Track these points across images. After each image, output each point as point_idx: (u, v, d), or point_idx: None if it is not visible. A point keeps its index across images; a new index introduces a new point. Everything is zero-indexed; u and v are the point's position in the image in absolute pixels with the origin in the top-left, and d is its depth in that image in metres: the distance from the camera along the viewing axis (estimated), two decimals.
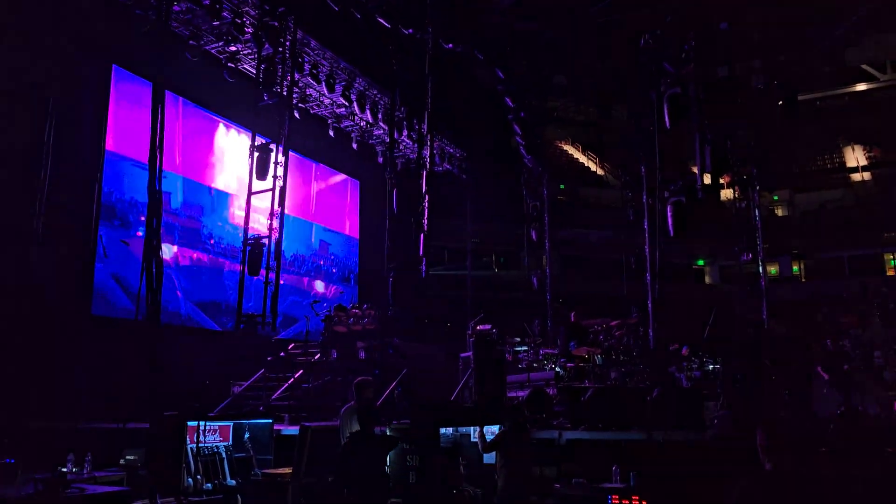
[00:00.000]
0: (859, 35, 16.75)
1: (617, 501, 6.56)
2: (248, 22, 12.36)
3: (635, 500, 6.42)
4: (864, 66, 29.07)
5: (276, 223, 11.43)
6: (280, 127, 11.82)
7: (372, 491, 5.80)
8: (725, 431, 7.41)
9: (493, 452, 7.22)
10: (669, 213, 8.94)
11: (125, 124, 12.53)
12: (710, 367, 12.29)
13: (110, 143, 12.20)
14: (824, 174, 32.34)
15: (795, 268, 30.70)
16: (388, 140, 14.81)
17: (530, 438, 7.48)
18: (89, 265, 11.68)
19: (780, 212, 31.77)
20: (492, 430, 7.47)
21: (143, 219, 11.34)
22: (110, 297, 12.03)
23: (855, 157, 32.37)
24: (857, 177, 32.02)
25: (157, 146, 7.53)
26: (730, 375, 11.10)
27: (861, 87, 30.86)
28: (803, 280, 30.16)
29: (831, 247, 29.40)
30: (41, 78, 10.47)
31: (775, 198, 30.88)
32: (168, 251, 13.16)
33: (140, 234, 12.28)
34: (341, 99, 15.08)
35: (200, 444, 7.50)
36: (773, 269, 29.06)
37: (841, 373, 10.52)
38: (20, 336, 9.58)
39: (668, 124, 9.11)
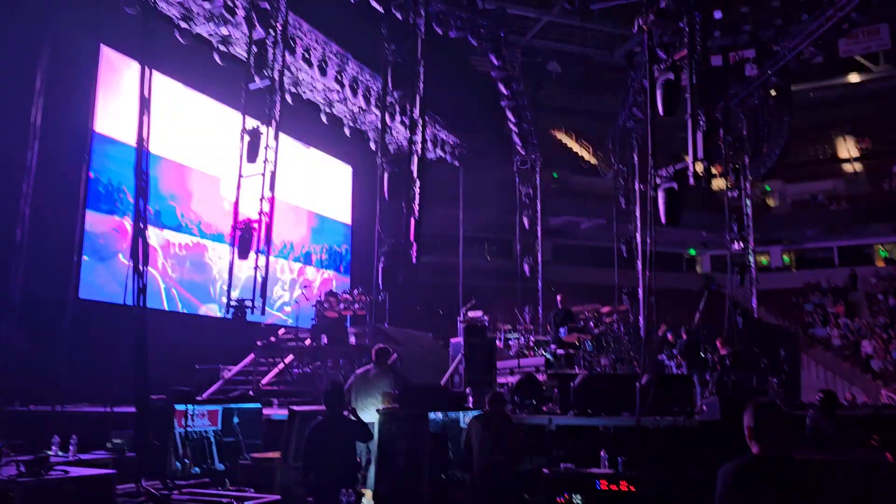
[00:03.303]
0: (853, 26, 16.71)
1: (605, 486, 6.57)
2: (239, 4, 12.21)
3: (623, 485, 6.44)
4: (857, 58, 29.09)
5: (266, 207, 11.35)
6: (271, 110, 11.71)
7: (336, 477, 5.78)
8: (713, 417, 7.43)
9: None
10: (661, 200, 8.92)
11: (113, 106, 12.39)
12: (701, 354, 12.35)
13: (98, 125, 12.07)
14: (816, 165, 32.42)
15: (786, 257, 30.84)
16: (380, 126, 14.71)
17: (507, 424, 7.29)
18: (77, 248, 11.59)
19: (771, 202, 31.86)
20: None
21: (130, 201, 11.25)
22: (98, 280, 11.94)
23: (847, 148, 32.45)
24: (848, 168, 32.12)
25: (144, 128, 7.43)
26: (719, 363, 11.18)
27: (854, 78, 30.92)
28: (794, 270, 30.31)
29: (821, 237, 29.55)
30: (29, 58, 10.34)
31: (767, 188, 30.94)
32: (156, 235, 13.07)
33: (127, 217, 12.18)
34: (333, 83, 14.95)
35: (189, 428, 7.47)
36: (763, 259, 29.20)
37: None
38: (7, 318, 9.52)
39: (661, 111, 9.08)
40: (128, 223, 12.06)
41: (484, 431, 6.82)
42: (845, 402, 14.53)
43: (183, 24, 12.39)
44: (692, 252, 31.84)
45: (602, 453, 7.01)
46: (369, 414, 7.32)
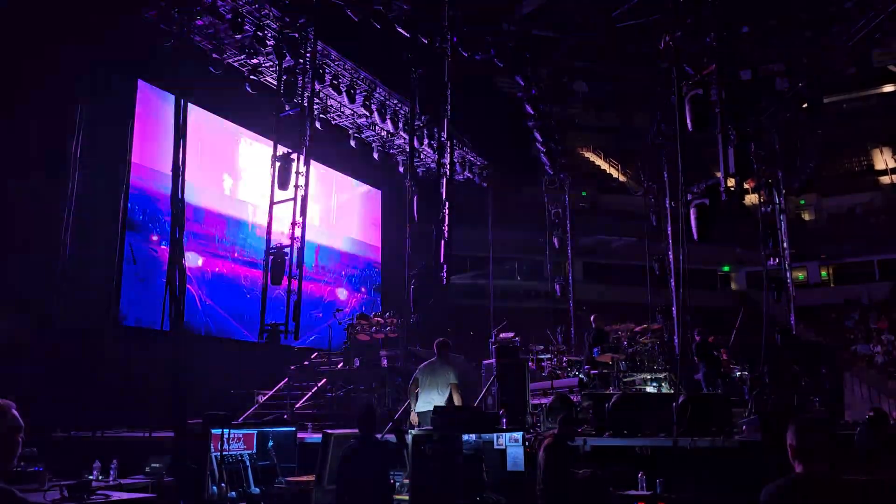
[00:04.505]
0: (885, 35, 16.41)
1: None
2: (269, 35, 12.50)
3: None
4: (890, 67, 28.57)
5: (297, 232, 11.50)
6: (301, 137, 11.91)
7: (369, 501, 5.76)
8: (753, 437, 7.27)
9: (520, 460, 7.12)
10: (693, 216, 8.82)
11: (150, 137, 12.73)
12: (738, 373, 12.12)
13: (135, 156, 12.39)
14: (852, 177, 31.81)
15: (824, 273, 30.17)
16: (408, 149, 14.85)
17: (572, 450, 7.12)
18: (117, 276, 11.85)
19: (807, 216, 31.28)
20: (514, 437, 7.40)
21: (167, 229, 11.47)
22: (137, 307, 12.17)
23: (883, 159, 31.81)
24: (885, 179, 31.45)
25: (179, 157, 7.63)
26: (758, 381, 10.94)
27: (888, 88, 30.36)
28: (832, 285, 29.62)
29: (861, 251, 28.86)
30: (69, 92, 10.68)
31: (802, 202, 30.41)
32: (192, 262, 13.30)
33: (164, 245, 12.43)
34: (362, 109, 15.16)
35: (225, 452, 7.53)
36: (801, 275, 28.59)
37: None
38: (49, 345, 9.74)
39: (689, 127, 9.01)
40: (165, 251, 12.30)
41: (549, 456, 6.59)
42: (893, 421, 14.08)
43: (215, 56, 12.72)
44: (726, 269, 31.33)
45: (640, 475, 6.89)
46: (435, 404, 7.92)
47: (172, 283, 6.65)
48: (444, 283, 10.95)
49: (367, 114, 15.34)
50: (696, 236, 8.99)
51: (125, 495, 5.07)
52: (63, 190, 10.33)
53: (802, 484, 3.35)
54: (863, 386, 21.49)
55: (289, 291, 11.09)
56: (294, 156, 11.61)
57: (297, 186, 11.52)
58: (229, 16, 11.92)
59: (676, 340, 12.39)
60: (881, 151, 31.85)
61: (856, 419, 9.74)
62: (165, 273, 6.96)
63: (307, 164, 11.63)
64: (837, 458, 3.55)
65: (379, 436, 6.68)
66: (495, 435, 7.57)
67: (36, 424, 8.12)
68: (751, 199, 22.80)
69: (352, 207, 18.65)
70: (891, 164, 31.63)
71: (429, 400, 8.23)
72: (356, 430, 6.48)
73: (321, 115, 15.01)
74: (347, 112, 15.65)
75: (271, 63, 13.23)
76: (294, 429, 8.85)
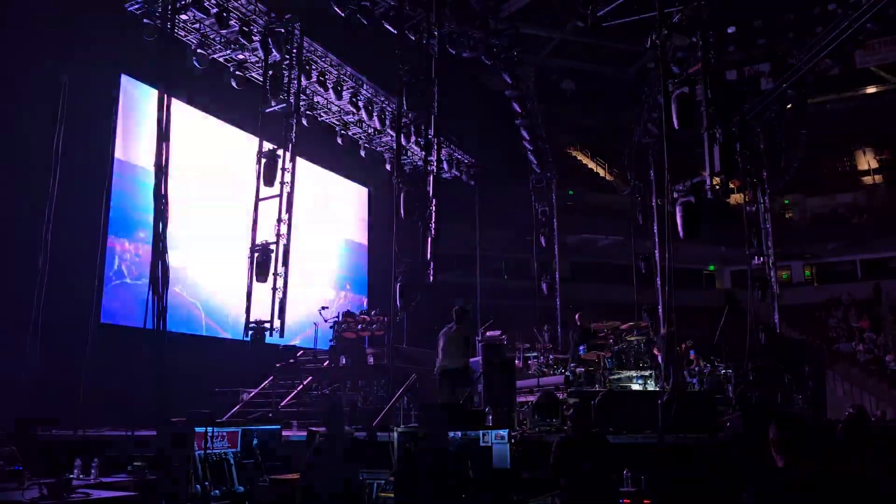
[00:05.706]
0: (869, 37, 16.57)
1: None
2: (255, 30, 12.42)
3: (646, 503, 6.33)
4: (873, 69, 28.86)
5: (283, 229, 11.45)
6: (287, 134, 11.85)
7: (336, 498, 5.71)
8: (737, 434, 7.31)
9: (506, 457, 7.10)
10: (679, 215, 8.86)
11: (133, 133, 12.60)
12: (722, 370, 12.19)
13: (118, 152, 12.26)
14: (836, 178, 32.11)
15: (807, 272, 30.44)
16: (395, 146, 14.83)
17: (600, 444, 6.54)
18: (99, 273, 11.70)
19: (791, 215, 31.54)
20: (500, 435, 7.39)
21: (149, 226, 11.36)
22: (119, 305, 12.06)
23: (866, 159, 32.15)
24: (868, 179, 31.78)
25: (162, 153, 7.56)
26: (742, 379, 11.03)
27: (871, 89, 30.67)
28: (816, 284, 29.89)
29: (843, 251, 29.16)
30: (51, 87, 10.54)
31: (786, 202, 30.66)
32: (175, 259, 13.17)
33: (146, 242, 12.31)
34: (349, 106, 15.11)
35: (208, 451, 7.46)
36: (784, 274, 28.81)
37: None
38: (30, 343, 9.61)
39: (676, 125, 9.05)
40: (148, 247, 12.19)
41: (572, 453, 6.34)
42: (873, 418, 14.24)
43: (200, 51, 12.61)
44: (711, 268, 31.53)
45: (625, 472, 6.90)
46: (451, 359, 9.49)
47: (155, 280, 6.58)
48: (431, 280, 10.94)
49: (354, 110, 15.29)
50: (682, 235, 9.03)
51: (106, 493, 5.01)
52: (45, 186, 10.20)
53: (785, 478, 3.37)
54: (845, 384, 21.72)
55: (274, 289, 11.04)
56: (280, 152, 11.57)
57: (282, 183, 11.49)
58: (215, 10, 11.84)
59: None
60: (864, 152, 32.19)
61: (837, 416, 9.82)
62: (148, 270, 6.89)
63: (293, 160, 11.60)
64: (818, 454, 3.58)
65: (362, 435, 6.64)
66: (481, 432, 7.56)
67: (16, 424, 8.03)
68: (736, 198, 22.97)
69: (338, 204, 18.57)
70: (873, 165, 31.98)
71: (446, 355, 9.58)
72: (346, 429, 6.45)
73: (307, 112, 14.94)
74: (334, 109, 15.60)
75: (257, 59, 13.15)
76: (279, 427, 8.79)
